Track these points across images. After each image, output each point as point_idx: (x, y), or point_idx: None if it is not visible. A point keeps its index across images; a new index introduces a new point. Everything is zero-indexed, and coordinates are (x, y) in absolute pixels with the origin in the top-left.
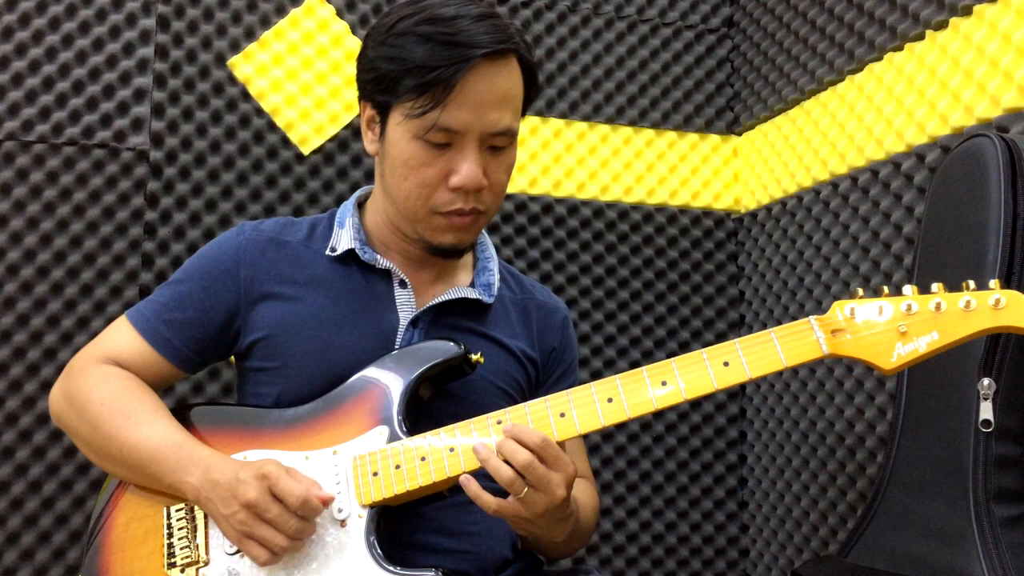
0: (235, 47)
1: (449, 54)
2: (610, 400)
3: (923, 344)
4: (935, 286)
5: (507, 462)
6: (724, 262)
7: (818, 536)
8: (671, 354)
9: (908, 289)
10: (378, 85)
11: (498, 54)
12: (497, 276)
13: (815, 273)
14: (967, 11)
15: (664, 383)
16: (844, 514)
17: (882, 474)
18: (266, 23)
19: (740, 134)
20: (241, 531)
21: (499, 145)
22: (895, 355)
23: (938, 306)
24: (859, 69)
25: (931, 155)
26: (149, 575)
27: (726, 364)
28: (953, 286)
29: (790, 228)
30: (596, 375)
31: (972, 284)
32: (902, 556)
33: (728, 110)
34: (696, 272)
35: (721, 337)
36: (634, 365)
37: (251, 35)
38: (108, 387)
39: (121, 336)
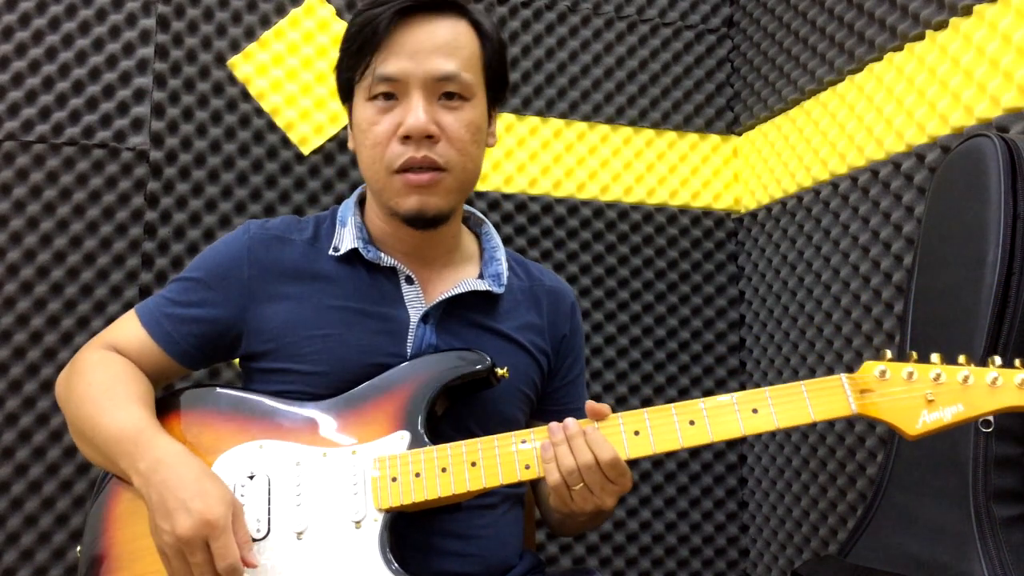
0: (235, 47)
1: (380, 10)
2: (637, 433)
3: (948, 414)
4: (961, 358)
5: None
6: (724, 262)
7: (818, 536)
8: (671, 355)
9: (935, 357)
10: (340, 71)
11: (435, 10)
12: (505, 265)
13: (815, 273)
14: (967, 11)
15: (692, 423)
16: (844, 514)
17: (882, 474)
18: (266, 23)
19: (740, 134)
20: (161, 548)
21: (450, 91)
22: (920, 422)
23: (966, 379)
24: (859, 69)
25: (931, 155)
26: (153, 555)
27: (755, 411)
28: (953, 288)
29: (790, 228)
30: (596, 375)
31: (999, 360)
32: (902, 556)
33: (728, 110)
34: (696, 272)
35: (721, 337)
36: (634, 365)
37: (251, 35)
38: (100, 370)
39: (126, 326)
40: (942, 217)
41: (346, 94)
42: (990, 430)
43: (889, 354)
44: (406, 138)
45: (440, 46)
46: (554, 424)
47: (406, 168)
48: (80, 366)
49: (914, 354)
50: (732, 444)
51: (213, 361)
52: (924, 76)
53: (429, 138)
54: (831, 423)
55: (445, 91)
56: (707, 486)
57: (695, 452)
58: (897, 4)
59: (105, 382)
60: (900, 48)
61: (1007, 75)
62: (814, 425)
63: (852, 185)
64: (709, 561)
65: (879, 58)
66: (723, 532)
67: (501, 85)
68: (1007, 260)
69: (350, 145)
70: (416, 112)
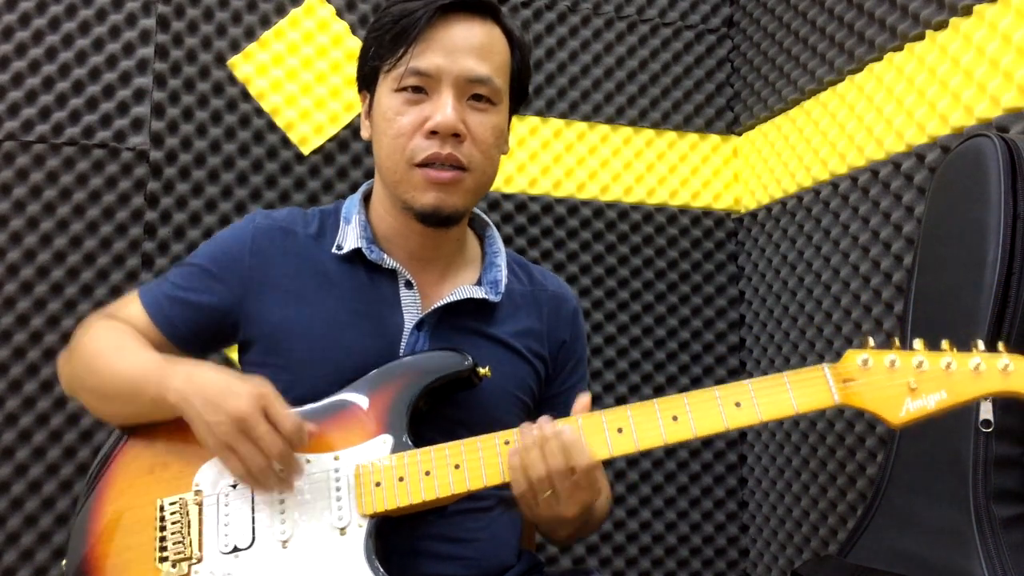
0: (235, 47)
1: (419, 3)
2: (620, 431)
3: (932, 402)
4: (944, 343)
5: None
6: (724, 262)
7: (818, 536)
8: (671, 355)
9: (917, 344)
10: (366, 60)
11: (473, 11)
12: (504, 272)
13: (815, 273)
14: (967, 11)
15: (675, 418)
16: (844, 514)
17: (882, 474)
18: (266, 23)
19: (740, 134)
20: (223, 441)
21: (480, 93)
22: (904, 410)
23: (948, 365)
24: (859, 69)
25: (931, 155)
26: (140, 567)
27: (738, 405)
28: (953, 288)
29: (790, 228)
30: (596, 375)
31: (981, 345)
32: (902, 556)
33: (728, 110)
34: (696, 272)
35: (721, 337)
36: (634, 365)
37: (251, 35)
38: (106, 332)
39: (128, 306)
40: (942, 217)
41: (367, 82)
42: (990, 430)
43: (872, 342)
44: (432, 133)
45: (475, 48)
46: (525, 425)
47: (428, 163)
48: (84, 335)
49: (896, 341)
50: (732, 444)
51: (211, 347)
52: (924, 76)
53: (455, 136)
54: (831, 423)
55: (475, 93)
56: (707, 486)
57: (695, 452)
58: (897, 4)
59: (113, 339)
60: (900, 48)
61: (1007, 75)
62: (814, 425)
63: (852, 185)
64: (709, 561)
65: (879, 58)
66: (723, 532)
67: (522, 96)
68: (1007, 260)
69: (364, 135)
70: (445, 109)
